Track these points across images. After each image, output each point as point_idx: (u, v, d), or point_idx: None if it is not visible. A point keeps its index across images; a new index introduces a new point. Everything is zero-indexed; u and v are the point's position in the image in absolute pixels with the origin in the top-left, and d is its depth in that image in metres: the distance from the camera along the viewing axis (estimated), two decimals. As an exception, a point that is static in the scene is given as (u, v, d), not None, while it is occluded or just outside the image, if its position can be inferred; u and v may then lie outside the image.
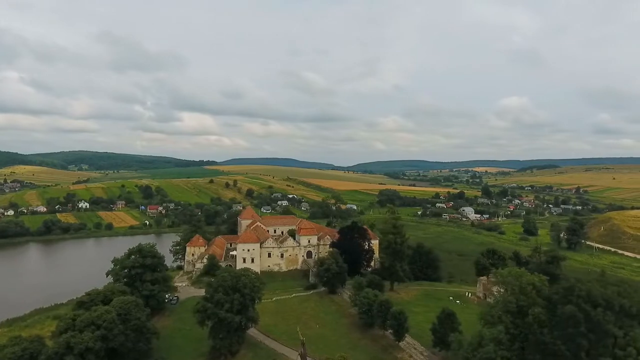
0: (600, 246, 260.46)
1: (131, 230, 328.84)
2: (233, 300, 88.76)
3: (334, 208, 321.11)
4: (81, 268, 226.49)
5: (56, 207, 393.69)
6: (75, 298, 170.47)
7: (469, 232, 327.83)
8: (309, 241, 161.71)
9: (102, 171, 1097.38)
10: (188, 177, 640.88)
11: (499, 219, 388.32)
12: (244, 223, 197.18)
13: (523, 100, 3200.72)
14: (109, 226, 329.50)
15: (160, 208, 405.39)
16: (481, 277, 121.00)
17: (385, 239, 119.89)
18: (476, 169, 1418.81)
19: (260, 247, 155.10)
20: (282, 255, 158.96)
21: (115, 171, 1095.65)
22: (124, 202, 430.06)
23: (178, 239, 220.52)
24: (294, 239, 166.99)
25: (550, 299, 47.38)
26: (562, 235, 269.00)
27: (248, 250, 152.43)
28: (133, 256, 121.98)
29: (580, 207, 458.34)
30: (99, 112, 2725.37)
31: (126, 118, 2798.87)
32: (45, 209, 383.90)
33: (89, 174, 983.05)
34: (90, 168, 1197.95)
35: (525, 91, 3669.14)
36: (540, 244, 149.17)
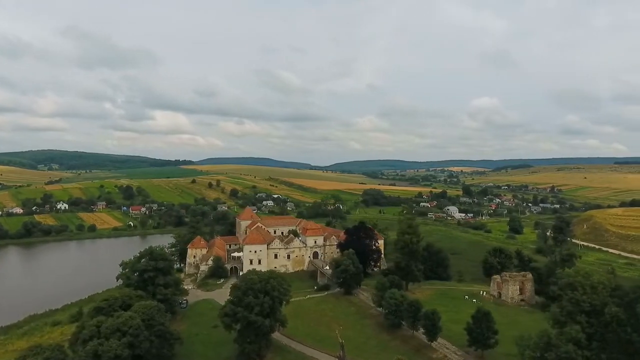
0: (585, 244, 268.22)
1: (115, 232, 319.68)
2: (263, 303, 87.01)
3: (331, 208, 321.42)
4: (69, 271, 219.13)
5: (33, 208, 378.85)
6: (70, 303, 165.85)
7: (456, 231, 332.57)
8: (315, 242, 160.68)
9: (74, 171, 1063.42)
10: (168, 177, 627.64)
11: (483, 218, 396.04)
12: (243, 224, 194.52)
13: (494, 101, 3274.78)
14: (92, 228, 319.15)
15: (144, 209, 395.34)
16: (495, 276, 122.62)
17: (402, 239, 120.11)
18: (451, 168, 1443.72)
19: (267, 248, 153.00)
20: (288, 257, 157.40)
21: (88, 171, 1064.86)
22: (104, 203, 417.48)
23: (171, 240, 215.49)
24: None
25: (622, 298, 48.24)
26: (548, 233, 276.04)
27: (255, 251, 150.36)
28: (144, 259, 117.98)
29: (558, 206, 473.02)
30: (67, 110, 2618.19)
31: (96, 116, 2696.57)
32: (21, 211, 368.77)
33: (61, 173, 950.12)
34: (61, 167, 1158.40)
35: (496, 92, 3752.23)
36: (553, 245, 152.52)
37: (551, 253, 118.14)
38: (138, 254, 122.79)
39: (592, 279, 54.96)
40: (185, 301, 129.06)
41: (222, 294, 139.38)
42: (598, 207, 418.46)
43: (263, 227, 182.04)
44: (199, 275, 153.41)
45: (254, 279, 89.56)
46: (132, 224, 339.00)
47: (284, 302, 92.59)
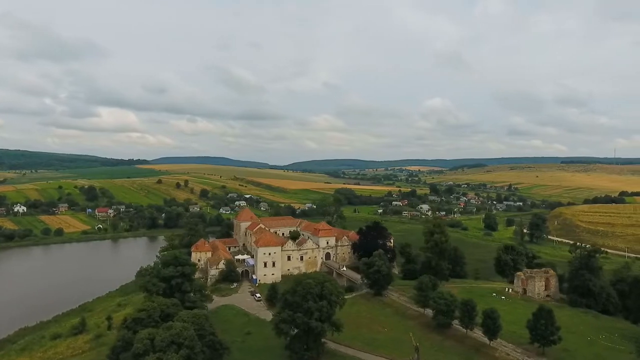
0: (559, 239, 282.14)
1: (85, 236, 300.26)
2: (322, 308, 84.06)
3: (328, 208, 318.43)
4: (46, 279, 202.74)
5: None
6: (61, 313, 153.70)
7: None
8: (327, 242, 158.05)
9: (18, 171, 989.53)
10: (129, 177, 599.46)
11: (455, 216, 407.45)
12: (242, 225, 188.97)
13: (446, 102, 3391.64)
14: (59, 232, 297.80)
15: (111, 211, 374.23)
16: (518, 273, 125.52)
17: (432, 238, 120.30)
18: (408, 167, 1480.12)
19: (281, 250, 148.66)
20: (301, 258, 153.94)
21: (34, 171, 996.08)
22: (66, 205, 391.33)
23: (144, 242, 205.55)
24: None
25: None
26: (525, 230, 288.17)
27: (269, 253, 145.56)
28: (170, 266, 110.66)
29: (521, 204, 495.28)
30: (2, 106, 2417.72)
31: (35, 113, 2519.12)
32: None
33: (4, 174, 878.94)
34: (1, 167, 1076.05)
35: (448, 94, 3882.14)
36: (578, 242, 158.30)
37: (575, 250, 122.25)
38: (159, 260, 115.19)
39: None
40: (205, 307, 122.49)
41: (240, 299, 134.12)
42: (559, 204, 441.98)
43: (265, 228, 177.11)
44: (209, 279, 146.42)
45: (310, 283, 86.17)
46: (101, 227, 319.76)
47: (339, 306, 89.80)
